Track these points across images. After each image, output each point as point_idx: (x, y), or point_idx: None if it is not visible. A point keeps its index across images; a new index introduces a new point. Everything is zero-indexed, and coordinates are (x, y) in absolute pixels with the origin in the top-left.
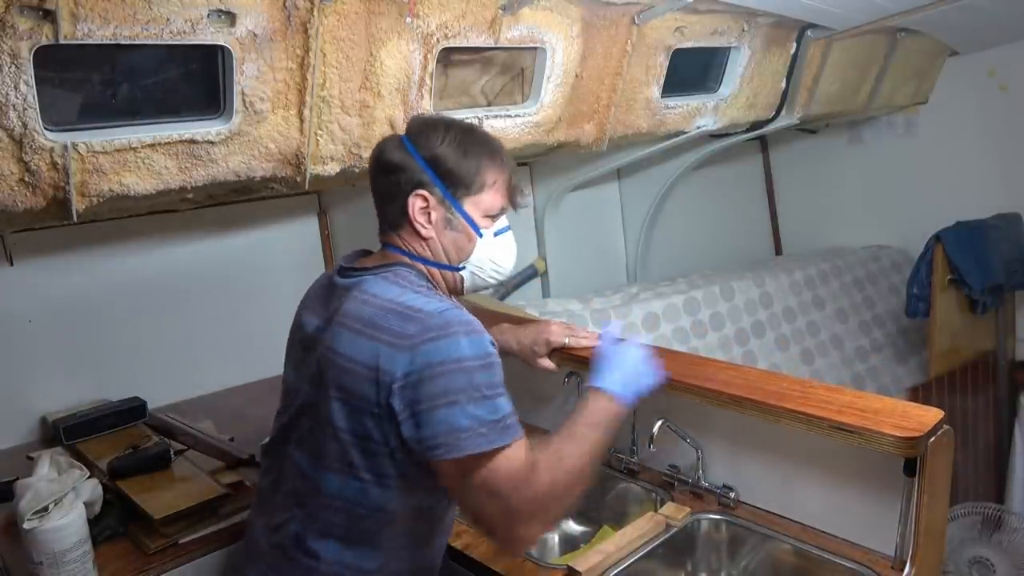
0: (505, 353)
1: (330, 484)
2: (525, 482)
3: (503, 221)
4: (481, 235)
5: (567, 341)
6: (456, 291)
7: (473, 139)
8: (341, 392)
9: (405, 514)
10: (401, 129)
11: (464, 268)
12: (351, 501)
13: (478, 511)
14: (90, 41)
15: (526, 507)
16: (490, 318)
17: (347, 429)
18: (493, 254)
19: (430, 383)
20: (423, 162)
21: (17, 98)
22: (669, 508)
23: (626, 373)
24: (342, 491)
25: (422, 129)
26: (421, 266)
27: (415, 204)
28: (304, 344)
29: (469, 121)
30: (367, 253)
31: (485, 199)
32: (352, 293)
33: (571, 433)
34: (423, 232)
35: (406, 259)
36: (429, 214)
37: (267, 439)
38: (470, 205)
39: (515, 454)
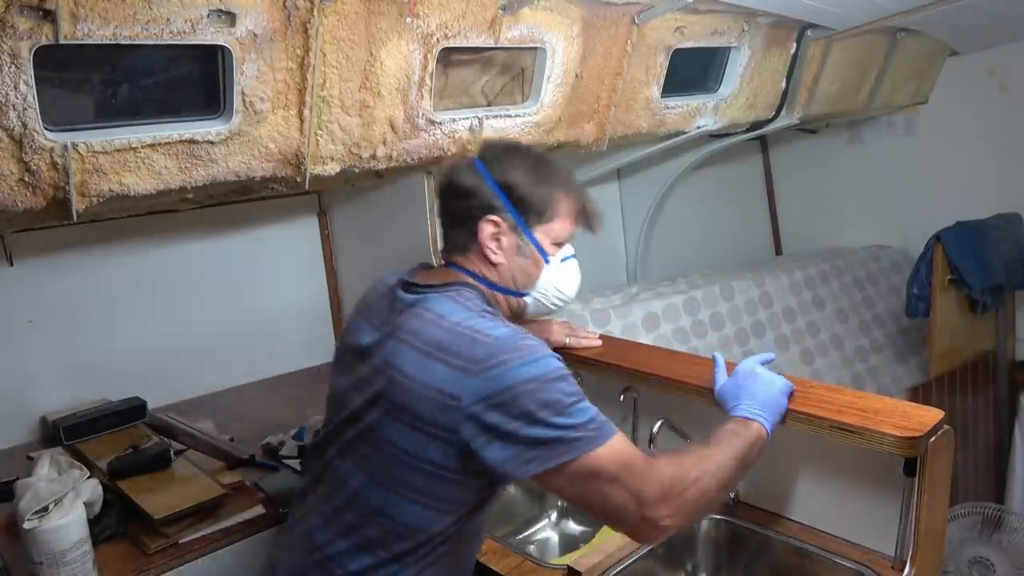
0: None
1: (372, 499)
2: (643, 463)
3: (568, 248)
4: (548, 262)
5: (568, 341)
6: (518, 316)
7: (546, 167)
8: (402, 412)
9: (442, 535)
10: (401, 129)
11: (528, 294)
12: (390, 517)
13: (603, 504)
14: (90, 41)
15: (651, 488)
16: None
17: (404, 449)
18: (558, 281)
19: (509, 406)
20: (496, 187)
21: (17, 98)
22: None
23: (768, 403)
24: (383, 507)
25: (496, 154)
26: (485, 289)
27: (486, 229)
28: (358, 353)
29: (540, 151)
30: (428, 267)
31: (555, 227)
32: (416, 310)
33: (712, 439)
34: (493, 258)
35: (470, 280)
36: (500, 239)
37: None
38: (540, 232)
39: (619, 444)
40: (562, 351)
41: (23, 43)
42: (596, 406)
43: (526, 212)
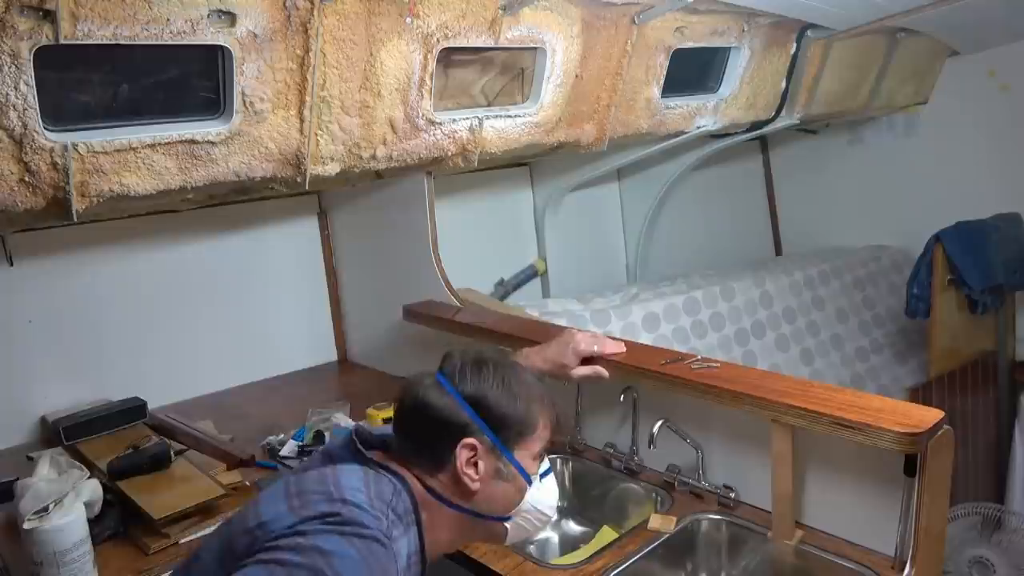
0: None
1: None
2: None
3: (545, 463)
4: (530, 483)
5: (595, 348)
6: (497, 540)
7: (518, 378)
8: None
9: None
10: (401, 129)
11: (511, 519)
12: None
13: None
14: (90, 41)
15: None
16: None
17: None
18: (540, 500)
19: (282, 547)
20: (469, 408)
21: (17, 98)
22: (655, 520)
23: None
24: None
25: (461, 368)
26: (429, 501)
27: (463, 456)
28: None
29: (502, 356)
30: (387, 450)
31: (535, 444)
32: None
33: None
34: (472, 486)
35: (418, 489)
36: (477, 464)
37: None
38: (521, 452)
39: None
40: (591, 360)
41: (23, 43)
42: (596, 406)
43: (505, 431)
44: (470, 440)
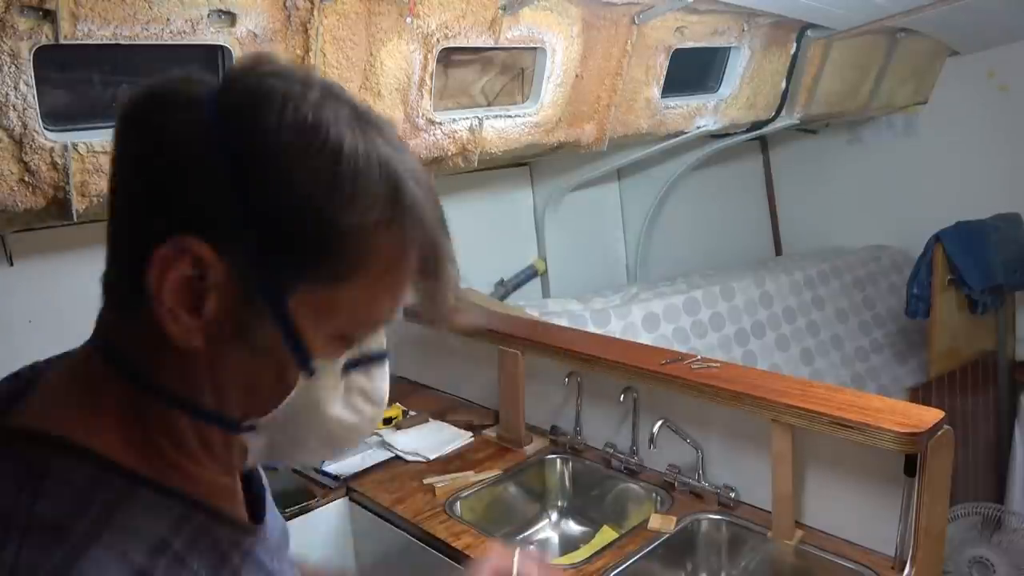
0: None
1: None
2: None
3: (377, 340)
4: (312, 372)
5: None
6: (228, 463)
7: (373, 145)
8: None
9: None
10: (401, 129)
11: (255, 429)
12: None
13: None
14: (90, 41)
15: None
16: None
17: None
18: (333, 412)
19: None
20: (231, 173)
21: (17, 98)
22: (655, 520)
23: None
24: None
25: (253, 91)
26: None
27: (172, 271)
28: None
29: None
30: (71, 359)
31: (347, 299)
32: None
33: None
34: (175, 333)
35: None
36: (203, 298)
37: None
38: (309, 305)
39: None
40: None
41: (23, 43)
42: (596, 406)
43: (290, 251)
44: (192, 242)
